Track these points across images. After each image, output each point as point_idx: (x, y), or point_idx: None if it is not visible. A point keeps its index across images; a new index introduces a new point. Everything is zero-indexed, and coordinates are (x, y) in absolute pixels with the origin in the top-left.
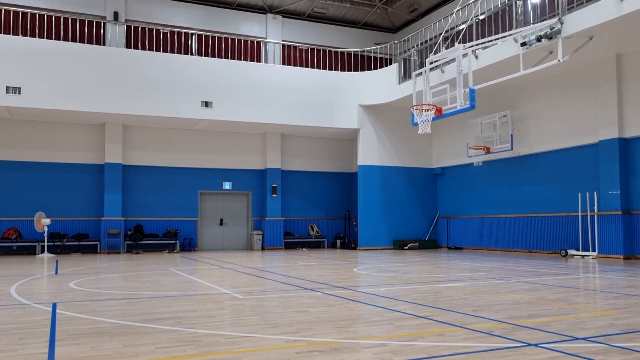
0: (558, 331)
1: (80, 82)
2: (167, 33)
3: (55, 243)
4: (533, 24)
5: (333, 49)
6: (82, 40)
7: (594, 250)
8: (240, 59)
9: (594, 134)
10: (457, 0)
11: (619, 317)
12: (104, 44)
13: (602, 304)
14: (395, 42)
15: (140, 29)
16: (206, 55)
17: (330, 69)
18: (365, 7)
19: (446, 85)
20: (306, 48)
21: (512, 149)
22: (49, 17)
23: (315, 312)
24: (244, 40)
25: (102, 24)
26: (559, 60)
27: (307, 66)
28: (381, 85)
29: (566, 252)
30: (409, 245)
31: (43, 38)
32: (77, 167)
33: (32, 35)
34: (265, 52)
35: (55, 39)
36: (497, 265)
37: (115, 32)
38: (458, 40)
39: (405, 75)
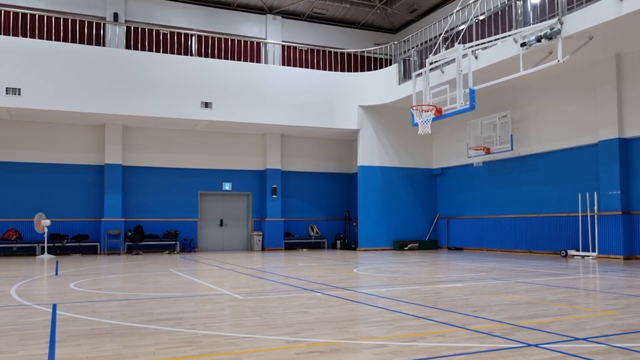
0: (558, 332)
1: (80, 83)
2: (167, 34)
3: (56, 244)
4: (533, 24)
5: (333, 50)
6: (82, 41)
7: (594, 251)
8: (240, 60)
9: (594, 134)
10: (457, 0)
11: (619, 317)
12: (103, 45)
13: (602, 305)
14: (395, 42)
15: (140, 29)
16: (206, 56)
17: (330, 69)
18: (365, 7)
19: (446, 85)
20: (306, 49)
21: (512, 149)
22: (49, 17)
23: (316, 313)
24: (244, 41)
25: (102, 24)
26: (558, 61)
27: (307, 67)
28: (381, 85)
29: (566, 253)
30: (409, 246)
31: (43, 39)
32: (77, 168)
33: (32, 36)
34: (265, 52)
35: (55, 40)
36: (497, 265)
37: (115, 32)
38: (458, 41)
39: (405, 75)
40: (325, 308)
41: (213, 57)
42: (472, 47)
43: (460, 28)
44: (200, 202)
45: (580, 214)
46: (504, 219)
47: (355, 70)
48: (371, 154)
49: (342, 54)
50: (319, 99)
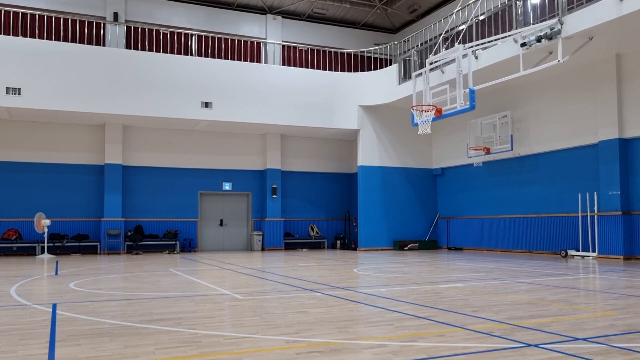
0: (558, 332)
1: (80, 83)
2: (167, 34)
3: (55, 244)
4: (533, 24)
5: (333, 50)
6: (82, 41)
7: (594, 251)
8: (240, 60)
9: (594, 134)
10: (457, 0)
11: (619, 317)
12: (104, 45)
13: (602, 305)
14: (395, 42)
15: (140, 29)
16: (206, 55)
17: (330, 69)
18: (365, 7)
19: (446, 85)
20: (306, 49)
21: (512, 149)
22: (49, 17)
23: (316, 313)
24: (244, 41)
25: (102, 24)
26: (558, 61)
27: (307, 67)
28: (381, 85)
29: (566, 253)
30: (409, 246)
31: (43, 38)
32: (77, 167)
33: (32, 35)
34: (265, 52)
35: (55, 40)
36: (497, 265)
37: (115, 32)
38: (458, 41)
39: (405, 75)
40: (325, 308)
41: (213, 57)
42: (472, 47)
43: (460, 28)
44: (200, 202)
45: (580, 214)
46: (504, 219)
47: (355, 70)
48: (371, 154)
49: (342, 54)
50: (319, 99)
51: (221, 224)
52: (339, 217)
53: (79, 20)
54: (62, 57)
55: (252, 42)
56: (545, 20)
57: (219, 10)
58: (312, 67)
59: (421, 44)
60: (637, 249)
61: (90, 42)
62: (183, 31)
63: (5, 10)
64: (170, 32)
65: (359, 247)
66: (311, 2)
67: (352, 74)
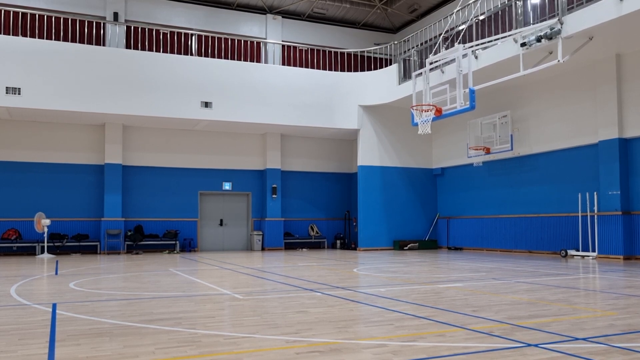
0: (558, 331)
1: (80, 83)
2: (167, 33)
3: (55, 244)
4: (533, 24)
5: (333, 50)
6: (82, 41)
7: (594, 251)
8: (240, 60)
9: (594, 134)
10: (457, 0)
11: (619, 317)
12: (103, 45)
13: (602, 305)
14: (395, 42)
15: (140, 29)
16: (206, 55)
17: (330, 69)
18: (365, 7)
19: (446, 85)
20: (306, 48)
21: (512, 149)
22: (49, 17)
23: (316, 313)
24: (244, 41)
25: (102, 24)
26: (558, 61)
27: (307, 67)
28: (381, 85)
29: (566, 253)
30: (409, 246)
31: (43, 38)
32: (77, 167)
33: (32, 35)
34: (265, 52)
35: (55, 40)
36: (497, 265)
37: (115, 32)
38: (458, 41)
39: (405, 75)
40: (325, 308)
41: (213, 56)
42: (472, 47)
43: (460, 28)
44: (200, 202)
45: (580, 214)
46: (504, 219)
47: (355, 70)
48: (371, 154)
49: (342, 54)
50: (319, 99)
51: (221, 224)
52: (339, 217)
53: (79, 20)
54: (62, 57)
55: (252, 42)
56: (545, 20)
57: (219, 10)
58: (312, 67)
59: (421, 44)
60: (637, 249)
61: (90, 42)
62: (183, 31)
63: (5, 10)
64: (170, 32)
65: (359, 247)
66: (311, 2)
67: (352, 74)
